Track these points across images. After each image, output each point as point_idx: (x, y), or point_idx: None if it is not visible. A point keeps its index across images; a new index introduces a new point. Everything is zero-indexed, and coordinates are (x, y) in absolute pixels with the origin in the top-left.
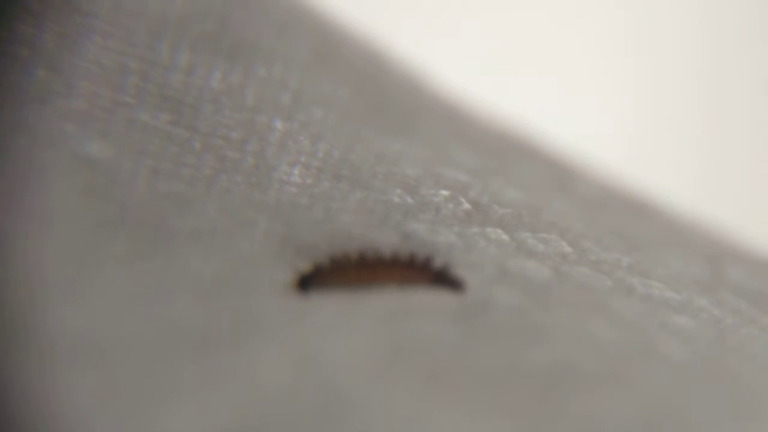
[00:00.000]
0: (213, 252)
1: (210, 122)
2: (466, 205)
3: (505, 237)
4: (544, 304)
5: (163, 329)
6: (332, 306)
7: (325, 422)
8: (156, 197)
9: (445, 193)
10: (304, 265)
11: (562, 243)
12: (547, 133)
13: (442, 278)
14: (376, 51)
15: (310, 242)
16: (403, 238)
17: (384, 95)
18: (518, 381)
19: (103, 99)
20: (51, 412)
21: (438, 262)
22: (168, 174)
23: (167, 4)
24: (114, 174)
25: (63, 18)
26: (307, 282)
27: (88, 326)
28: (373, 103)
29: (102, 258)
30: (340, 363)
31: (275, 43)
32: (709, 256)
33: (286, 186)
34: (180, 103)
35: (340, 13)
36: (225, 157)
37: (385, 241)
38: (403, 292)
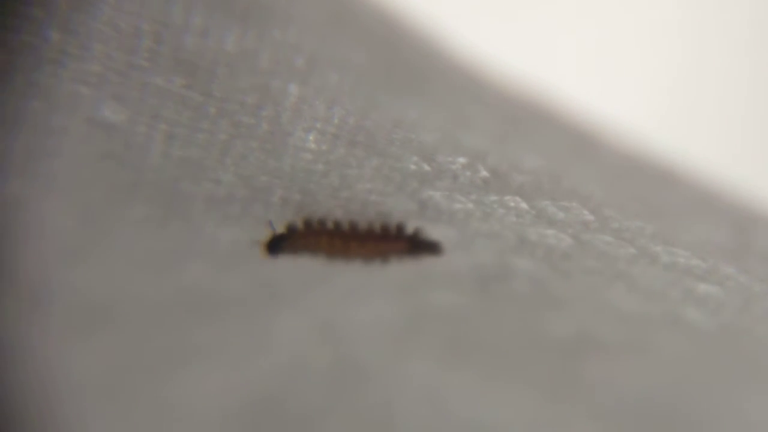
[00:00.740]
0: (229, 218)
1: (225, 86)
2: (485, 173)
3: (524, 205)
4: (564, 272)
5: (178, 294)
6: (350, 274)
7: (340, 390)
8: (171, 162)
9: (462, 160)
10: (278, 227)
11: (583, 211)
12: (569, 98)
13: (417, 244)
14: (394, 14)
15: (322, 209)
16: (419, 206)
17: (401, 60)
18: (537, 350)
19: (118, 62)
20: (55, 374)
21: (409, 229)
22: (183, 139)
23: None
24: (129, 138)
25: None
26: (277, 244)
27: (104, 289)
28: (390, 67)
29: (118, 222)
30: (357, 331)
31: (290, 4)
32: (736, 223)
33: (301, 152)
34: (194, 66)
35: None
36: (240, 123)
37: (401, 208)
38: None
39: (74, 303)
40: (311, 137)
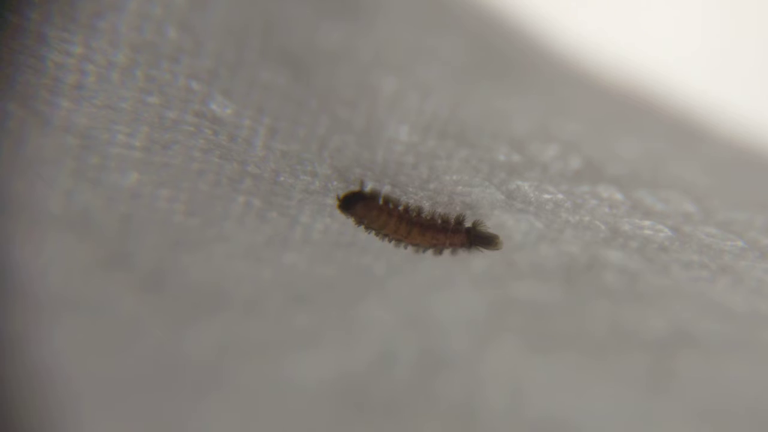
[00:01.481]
0: (323, 210)
1: (326, 81)
2: (577, 163)
3: (618, 195)
4: (661, 266)
5: (276, 281)
6: (438, 263)
7: (425, 378)
8: (273, 155)
9: (554, 150)
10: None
11: (685, 201)
12: (673, 84)
13: (475, 237)
14: (493, 4)
15: (413, 201)
16: (506, 196)
17: (497, 51)
18: (629, 344)
19: (228, 58)
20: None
21: (468, 223)
22: (285, 133)
23: None
24: (234, 131)
25: None
26: (353, 201)
27: (209, 276)
28: (486, 58)
29: (222, 213)
30: (443, 320)
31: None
32: None
33: (393, 144)
34: (300, 61)
35: None
36: (338, 117)
37: (488, 198)
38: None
39: (184, 288)
40: (404, 129)
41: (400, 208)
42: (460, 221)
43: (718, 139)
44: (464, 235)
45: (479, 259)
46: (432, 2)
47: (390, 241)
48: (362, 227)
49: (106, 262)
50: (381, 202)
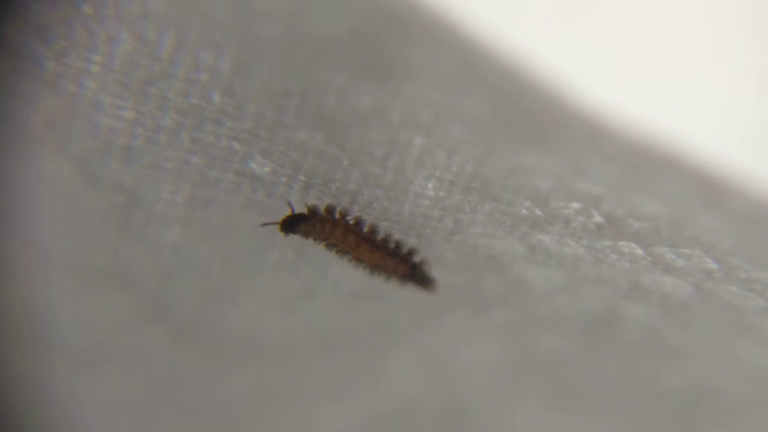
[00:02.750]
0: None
1: (358, 140)
2: (599, 218)
3: (639, 251)
4: (682, 322)
5: (305, 334)
6: (459, 313)
7: (446, 427)
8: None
9: (576, 205)
10: (299, 209)
11: (706, 259)
12: (696, 143)
13: (416, 274)
14: (518, 65)
15: (436, 253)
16: (528, 249)
17: (522, 110)
18: (650, 400)
19: (267, 119)
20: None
21: (417, 257)
22: (318, 189)
23: (330, 29)
24: (272, 189)
25: (237, 45)
26: (293, 223)
27: (242, 326)
28: (511, 117)
29: (256, 266)
30: (465, 371)
31: (424, 62)
32: None
33: (420, 199)
34: (334, 122)
35: (488, 28)
36: (368, 173)
37: (510, 251)
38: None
39: (218, 339)
40: (430, 185)
41: (350, 219)
42: (411, 253)
43: (740, 197)
44: (408, 267)
45: (500, 310)
46: (459, 66)
47: (337, 252)
48: (311, 241)
49: (145, 315)
50: (323, 212)
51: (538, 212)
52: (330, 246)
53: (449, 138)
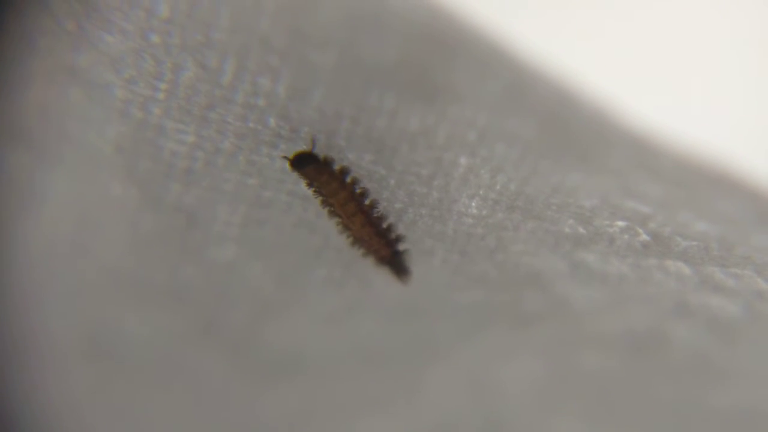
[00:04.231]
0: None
1: (405, 160)
2: (645, 237)
3: (687, 270)
4: (729, 342)
5: (351, 349)
6: (500, 329)
7: None
8: None
9: (621, 224)
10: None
11: (757, 280)
12: (748, 161)
13: (394, 260)
14: (565, 86)
15: (478, 270)
16: (570, 267)
17: (568, 129)
18: (695, 422)
19: (320, 142)
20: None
21: (401, 246)
22: None
23: (381, 54)
24: (321, 208)
25: (293, 71)
26: (303, 161)
27: (291, 342)
28: (557, 137)
29: (306, 282)
30: (506, 388)
31: (470, 85)
32: None
33: (463, 217)
34: (382, 143)
35: (534, 49)
36: (414, 192)
37: (552, 268)
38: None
39: (267, 354)
40: (474, 203)
41: (357, 189)
42: (398, 239)
43: None
44: (390, 252)
45: (542, 328)
46: (505, 87)
47: (329, 213)
48: (312, 191)
49: (200, 331)
50: (336, 169)
51: (581, 230)
52: (326, 204)
53: (494, 157)
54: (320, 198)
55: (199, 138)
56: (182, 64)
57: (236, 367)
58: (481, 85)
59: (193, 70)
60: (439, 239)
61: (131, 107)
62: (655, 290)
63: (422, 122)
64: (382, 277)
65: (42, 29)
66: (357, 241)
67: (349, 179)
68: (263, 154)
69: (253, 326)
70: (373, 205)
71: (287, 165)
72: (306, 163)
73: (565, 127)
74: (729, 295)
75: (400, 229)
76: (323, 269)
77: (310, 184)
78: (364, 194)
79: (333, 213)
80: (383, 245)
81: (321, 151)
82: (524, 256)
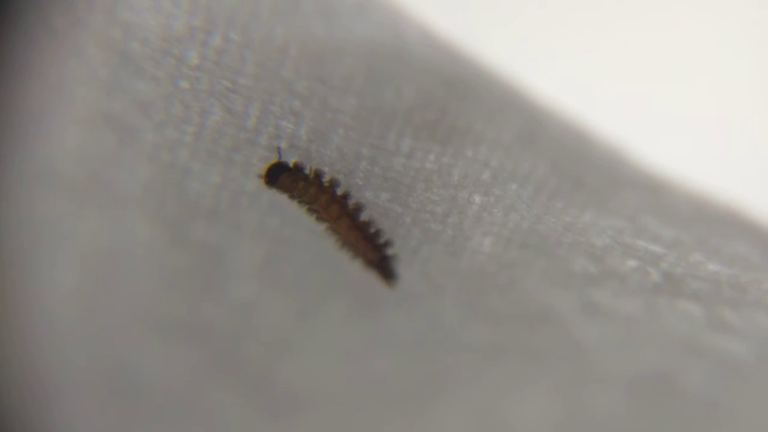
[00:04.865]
0: (410, 314)
1: (420, 199)
2: (656, 277)
3: (698, 311)
4: (739, 385)
5: (365, 384)
6: (511, 366)
7: None
8: None
9: (632, 263)
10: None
11: None
12: (764, 205)
13: (382, 264)
14: (578, 127)
15: (490, 307)
16: (581, 304)
17: (581, 170)
18: None
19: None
20: None
21: (389, 251)
22: None
23: (399, 97)
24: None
25: (314, 115)
26: (276, 173)
27: (308, 376)
28: (569, 177)
29: (324, 319)
30: (515, 425)
31: (484, 127)
32: None
33: (476, 254)
34: (398, 183)
35: (548, 92)
36: (429, 230)
37: (562, 304)
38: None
39: (283, 390)
40: (487, 241)
41: (338, 191)
42: (386, 244)
43: None
44: (379, 257)
45: (551, 365)
46: (519, 129)
47: (316, 219)
48: (295, 202)
49: (220, 367)
50: (310, 173)
51: (592, 269)
52: (311, 210)
53: (507, 196)
54: (305, 206)
55: (224, 179)
56: (209, 109)
57: (252, 403)
58: (496, 127)
59: (220, 114)
60: (453, 276)
61: (160, 150)
62: (665, 330)
63: (437, 162)
64: (398, 313)
65: (79, 77)
66: (345, 244)
67: (326, 181)
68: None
69: (269, 362)
70: (358, 208)
71: (262, 184)
72: (278, 174)
73: (577, 167)
74: (740, 337)
75: (388, 234)
76: (339, 306)
77: (291, 196)
78: (346, 196)
79: (319, 218)
80: (370, 249)
81: (289, 158)
82: (536, 294)
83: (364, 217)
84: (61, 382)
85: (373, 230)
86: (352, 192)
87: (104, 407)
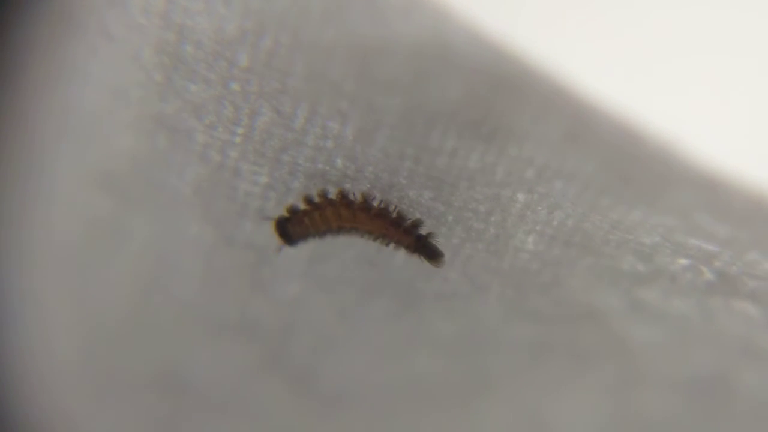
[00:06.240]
0: (452, 313)
1: (463, 197)
2: (709, 276)
3: (754, 311)
4: None
5: (406, 383)
6: (557, 366)
7: None
8: (409, 264)
9: (684, 261)
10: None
11: None
12: None
13: (422, 246)
14: (628, 123)
15: (534, 306)
16: (629, 304)
17: (630, 167)
18: None
19: (383, 181)
20: None
21: (422, 229)
22: None
23: (444, 96)
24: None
25: (361, 114)
26: (284, 228)
27: (349, 375)
28: (617, 174)
29: (365, 316)
30: (561, 426)
31: (530, 126)
32: None
33: (520, 253)
34: (441, 181)
35: (596, 89)
36: (471, 228)
37: (610, 305)
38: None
39: (327, 388)
40: (530, 239)
41: (331, 196)
42: (415, 225)
43: None
44: (414, 239)
45: (599, 366)
46: (566, 126)
47: (344, 231)
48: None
49: (267, 364)
50: (305, 208)
51: (641, 268)
52: (335, 231)
53: (552, 194)
54: (329, 234)
55: (272, 179)
56: (259, 110)
57: (298, 400)
58: (542, 125)
59: (269, 116)
60: (495, 274)
61: (210, 151)
62: (719, 331)
63: (481, 160)
64: (440, 311)
65: (134, 81)
66: (378, 237)
67: (317, 198)
68: (330, 194)
69: (314, 360)
70: (369, 198)
71: (284, 247)
72: (287, 229)
73: (626, 164)
74: None
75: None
76: (382, 304)
77: (311, 236)
78: (344, 195)
79: (344, 230)
80: (402, 233)
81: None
82: (581, 293)
83: (377, 203)
84: (113, 381)
85: (395, 215)
86: (347, 189)
87: (155, 405)
